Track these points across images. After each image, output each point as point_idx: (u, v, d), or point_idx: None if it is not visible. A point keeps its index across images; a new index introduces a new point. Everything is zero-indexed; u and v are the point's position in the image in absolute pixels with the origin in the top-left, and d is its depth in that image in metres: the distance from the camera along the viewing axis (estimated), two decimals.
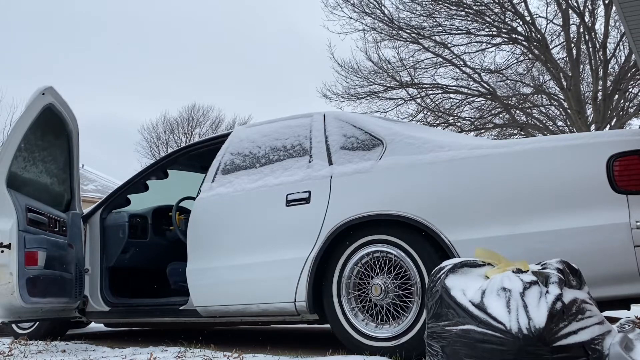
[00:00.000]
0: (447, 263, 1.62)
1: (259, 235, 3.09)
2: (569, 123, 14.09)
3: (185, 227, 3.98)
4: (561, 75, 13.39)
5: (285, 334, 4.06)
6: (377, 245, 2.76)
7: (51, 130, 3.29)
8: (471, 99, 14.12)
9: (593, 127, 12.76)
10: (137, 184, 4.03)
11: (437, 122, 13.75)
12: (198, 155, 4.01)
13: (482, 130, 13.96)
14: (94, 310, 3.84)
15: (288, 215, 3.01)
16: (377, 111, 14.72)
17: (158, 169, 4.00)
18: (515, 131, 14.12)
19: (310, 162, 3.10)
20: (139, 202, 4.32)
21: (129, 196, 4.14)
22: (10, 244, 2.93)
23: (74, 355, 3.00)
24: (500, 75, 14.50)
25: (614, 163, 2.29)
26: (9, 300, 2.93)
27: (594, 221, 2.27)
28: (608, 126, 12.84)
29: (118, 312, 3.78)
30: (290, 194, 3.04)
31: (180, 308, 3.42)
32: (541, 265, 1.50)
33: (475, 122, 13.87)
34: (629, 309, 2.38)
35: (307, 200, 2.97)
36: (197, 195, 3.46)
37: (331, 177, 2.95)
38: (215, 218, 3.29)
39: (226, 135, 3.69)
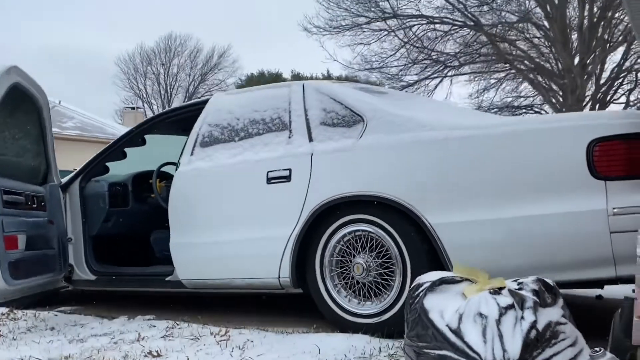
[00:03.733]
0: (426, 280, 1.63)
1: (241, 213, 3.09)
2: (553, 50, 13.93)
3: (166, 194, 3.95)
4: (547, 4, 13.09)
5: (273, 300, 4.10)
6: (359, 225, 2.78)
7: (20, 108, 3.19)
8: (455, 31, 13.81)
9: (577, 58, 12.65)
10: (115, 151, 3.97)
11: (421, 57, 13.51)
12: (175, 122, 3.93)
13: (468, 64, 13.77)
14: (80, 279, 3.87)
15: (269, 194, 2.99)
16: (360, 43, 14.40)
17: (136, 136, 3.92)
18: (500, 65, 13.96)
19: (290, 137, 3.05)
20: (118, 167, 4.26)
21: (107, 163, 4.08)
22: None
23: (62, 334, 3.04)
24: (486, 3, 14.12)
25: (594, 148, 2.27)
26: None
27: (573, 207, 2.28)
28: (593, 55, 12.72)
29: (104, 281, 3.82)
30: (270, 171, 3.00)
31: (166, 279, 3.46)
32: (517, 284, 1.52)
33: (461, 59, 13.65)
34: (602, 287, 2.45)
35: (287, 178, 2.94)
36: (177, 168, 3.41)
37: (312, 154, 2.92)
38: (196, 193, 3.27)
39: (204, 103, 3.60)
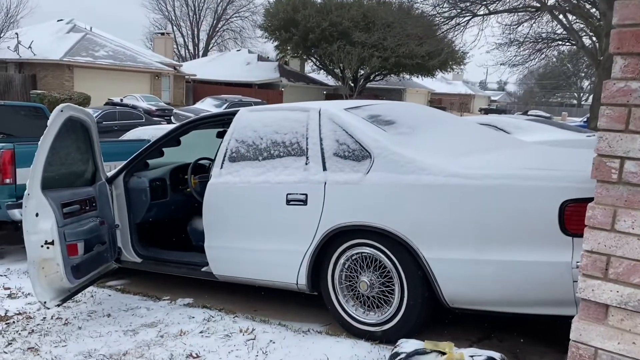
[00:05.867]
0: (402, 350, 2.07)
1: (264, 226, 3.55)
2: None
3: (200, 188, 4.44)
4: None
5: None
6: (365, 247, 3.22)
7: (73, 132, 3.64)
8: None
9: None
10: (154, 151, 4.42)
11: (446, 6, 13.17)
12: (208, 127, 4.36)
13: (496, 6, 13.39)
14: (127, 260, 4.45)
15: (288, 213, 3.43)
16: None
17: (172, 139, 4.36)
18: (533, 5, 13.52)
19: (306, 164, 3.44)
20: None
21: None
22: (53, 240, 3.44)
23: (118, 323, 3.65)
24: None
25: (566, 208, 2.62)
26: (59, 285, 3.53)
27: (544, 257, 2.67)
28: None
29: (148, 264, 4.38)
30: (290, 194, 3.43)
31: (202, 269, 4.01)
32: None
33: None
34: None
35: (304, 202, 3.37)
36: (209, 179, 3.86)
37: (325, 183, 3.31)
38: (226, 204, 3.72)
39: (232, 114, 3.98)
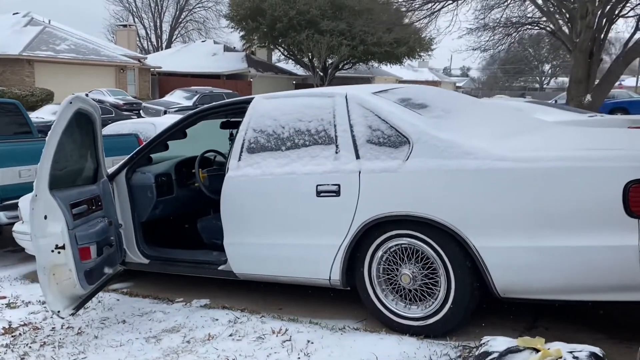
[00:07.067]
0: (493, 349, 1.93)
1: (292, 220, 3.34)
2: None
3: (209, 183, 4.19)
4: None
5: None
6: (405, 238, 3.05)
7: (79, 125, 3.36)
8: None
9: None
10: (159, 144, 4.14)
11: None
12: (219, 117, 4.10)
13: None
14: (133, 262, 4.17)
15: (319, 206, 3.23)
16: None
17: (178, 131, 4.09)
18: None
19: (337, 153, 3.23)
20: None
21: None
22: (64, 244, 3.16)
23: (136, 330, 3.40)
24: None
25: (630, 188, 2.50)
26: (72, 292, 3.25)
27: (607, 241, 2.54)
28: None
29: (157, 265, 4.11)
30: (320, 185, 3.22)
31: (219, 268, 3.76)
32: (573, 357, 1.81)
33: None
34: None
35: (337, 193, 3.17)
36: (226, 172, 3.61)
37: (359, 172, 3.12)
38: (248, 198, 3.49)
39: (246, 103, 3.74)
